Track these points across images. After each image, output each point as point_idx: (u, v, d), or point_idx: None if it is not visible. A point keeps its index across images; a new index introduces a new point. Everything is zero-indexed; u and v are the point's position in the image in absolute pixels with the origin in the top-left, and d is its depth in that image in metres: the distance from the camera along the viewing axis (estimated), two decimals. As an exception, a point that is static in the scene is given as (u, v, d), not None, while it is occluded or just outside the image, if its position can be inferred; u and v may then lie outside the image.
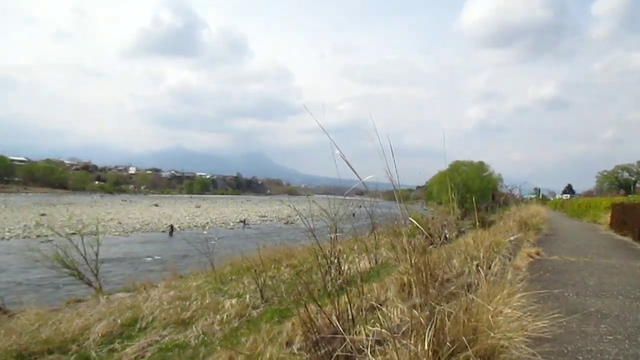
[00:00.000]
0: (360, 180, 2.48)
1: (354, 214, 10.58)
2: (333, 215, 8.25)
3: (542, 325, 2.75)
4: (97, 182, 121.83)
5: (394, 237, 9.26)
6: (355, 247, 8.72)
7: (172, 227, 31.06)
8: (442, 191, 33.75)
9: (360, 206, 9.79)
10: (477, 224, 6.71)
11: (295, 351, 3.71)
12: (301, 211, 6.89)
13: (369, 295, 4.60)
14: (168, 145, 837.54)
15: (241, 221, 40.27)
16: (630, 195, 28.56)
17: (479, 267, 3.57)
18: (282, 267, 10.20)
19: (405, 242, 3.09)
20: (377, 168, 2.60)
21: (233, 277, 9.91)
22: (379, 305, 3.61)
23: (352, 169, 2.44)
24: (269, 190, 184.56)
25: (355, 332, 2.72)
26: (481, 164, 37.85)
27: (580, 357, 2.81)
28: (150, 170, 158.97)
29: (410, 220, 2.96)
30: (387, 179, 2.56)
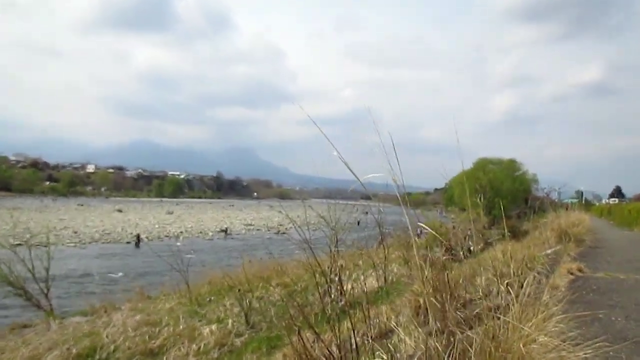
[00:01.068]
0: (361, 183, 2.49)
1: (358, 222, 10.59)
2: (333, 224, 8.25)
3: (585, 355, 2.76)
4: (48, 183, 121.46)
5: (407, 250, 9.27)
6: (361, 262, 8.74)
7: (138, 237, 31.03)
8: (465, 194, 33.79)
9: (366, 213, 9.79)
10: (507, 234, 6.74)
11: (288, 387, 3.71)
12: (295, 219, 6.89)
13: (377, 320, 4.61)
14: (134, 139, 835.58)
15: (222, 230, 40.27)
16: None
17: (509, 286, 3.58)
18: (272, 287, 10.20)
19: (420, 256, 3.10)
20: (387, 166, 2.61)
21: (212, 298, 9.90)
22: (388, 332, 3.62)
23: (352, 171, 2.45)
24: (256, 193, 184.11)
25: (360, 365, 2.73)
26: (512, 161, 37.94)
27: (630, 395, 2.83)
28: (112, 168, 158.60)
29: (426, 230, 2.97)
30: (392, 180, 2.57)
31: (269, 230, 43.96)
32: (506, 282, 4.03)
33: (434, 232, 2.76)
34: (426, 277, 2.93)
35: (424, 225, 2.83)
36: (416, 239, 3.27)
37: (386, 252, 10.08)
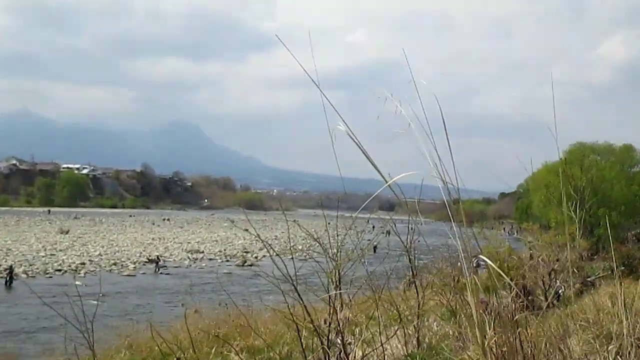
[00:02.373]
0: (385, 180, 2.50)
1: (375, 247, 10.61)
2: (334, 251, 8.25)
3: None
4: None
5: (456, 295, 9.29)
6: (378, 314, 8.74)
7: (11, 271, 30.90)
8: (551, 203, 33.90)
9: (387, 232, 9.81)
10: (619, 267, 6.78)
11: None
12: (271, 241, 6.91)
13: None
14: (4, 111, 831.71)
15: (151, 260, 40.19)
16: None
17: (621, 355, 3.61)
18: (233, 353, 10.21)
19: (475, 304, 3.11)
20: (420, 158, 2.61)
21: (134, 373, 9.89)
22: None
23: (374, 164, 2.45)
24: (207, 200, 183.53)
25: None
26: (627, 150, 38.12)
27: None
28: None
29: (484, 262, 2.98)
30: (438, 180, 2.57)
31: (228, 261, 43.91)
32: (616, 347, 4.06)
33: (495, 268, 2.78)
34: (487, 338, 2.94)
35: (483, 257, 2.84)
36: (471, 275, 3.27)
37: (421, 297, 10.11)
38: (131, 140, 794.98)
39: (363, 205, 3.73)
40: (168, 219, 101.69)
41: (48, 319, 14.82)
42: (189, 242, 56.98)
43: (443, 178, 2.63)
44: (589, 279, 14.67)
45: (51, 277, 32.07)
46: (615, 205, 29.69)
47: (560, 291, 11.37)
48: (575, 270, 13.65)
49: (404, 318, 9.40)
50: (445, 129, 2.59)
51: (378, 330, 8.43)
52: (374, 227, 10.90)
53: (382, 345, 7.70)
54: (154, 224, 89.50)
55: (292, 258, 6.87)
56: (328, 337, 6.81)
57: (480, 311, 3.26)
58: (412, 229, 8.60)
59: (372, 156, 2.49)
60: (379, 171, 2.54)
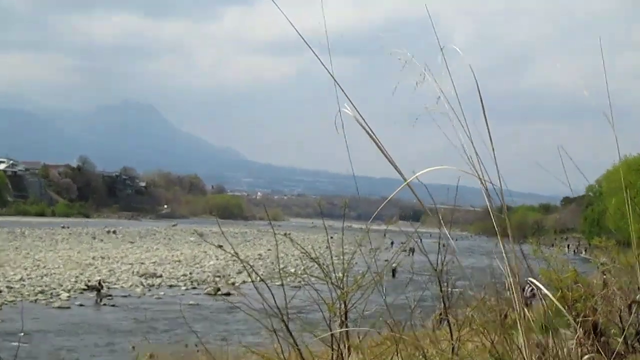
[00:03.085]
0: (405, 181, 2.52)
1: (394, 271, 10.66)
2: (339, 276, 8.28)
3: None
4: None
5: (502, 335, 9.32)
6: (399, 358, 8.78)
7: None
8: (634, 212, 33.85)
9: (411, 250, 9.83)
10: None
11: None
12: (254, 261, 6.93)
13: None
14: None
15: (91, 287, 40.14)
16: None
17: None
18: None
19: (529, 348, 3.13)
20: (455, 151, 2.62)
21: None
22: None
23: (384, 151, 2.47)
24: (167, 206, 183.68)
25: None
26: None
27: None
28: None
29: (540, 290, 2.99)
30: (478, 180, 2.58)
31: (195, 288, 43.88)
32: None
33: (554, 300, 2.80)
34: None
35: (536, 282, 2.86)
36: (524, 308, 3.28)
37: (455, 337, 10.14)
38: (65, 126, 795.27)
39: (375, 213, 3.71)
40: (114, 232, 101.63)
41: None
42: (142, 263, 56.85)
43: (482, 177, 2.63)
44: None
45: (-43, 308, 32.12)
46: None
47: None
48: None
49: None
50: (468, 112, 2.60)
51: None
52: (392, 243, 10.98)
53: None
54: (95, 237, 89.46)
55: (282, 284, 6.88)
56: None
57: (536, 358, 3.28)
58: (444, 245, 8.62)
59: (392, 146, 2.49)
60: (394, 165, 2.55)
